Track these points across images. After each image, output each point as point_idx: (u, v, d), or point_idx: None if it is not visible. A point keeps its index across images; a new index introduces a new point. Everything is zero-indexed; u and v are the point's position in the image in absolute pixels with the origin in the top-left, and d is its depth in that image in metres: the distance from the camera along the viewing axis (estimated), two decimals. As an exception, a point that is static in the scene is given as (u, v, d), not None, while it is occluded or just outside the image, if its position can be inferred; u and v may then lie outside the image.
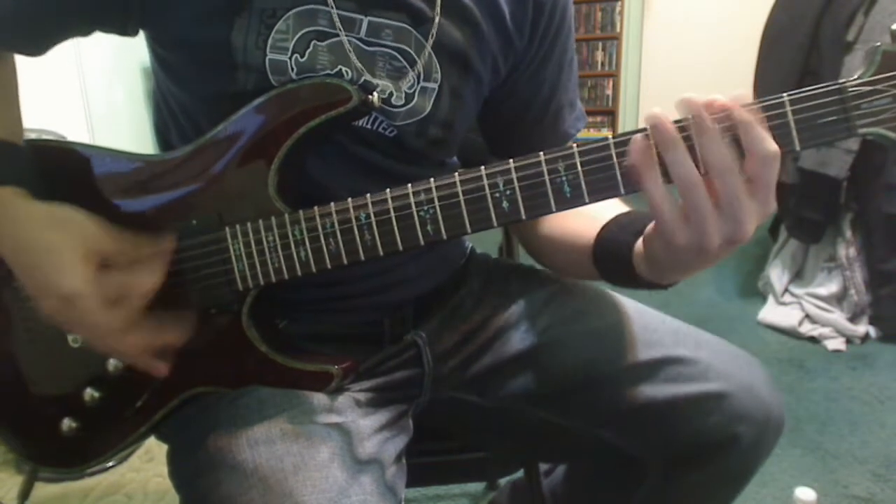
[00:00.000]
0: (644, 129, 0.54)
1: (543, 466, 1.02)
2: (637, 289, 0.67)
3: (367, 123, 0.70)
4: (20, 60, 0.73)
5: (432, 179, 0.60)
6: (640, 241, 0.63)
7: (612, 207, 0.71)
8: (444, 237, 0.60)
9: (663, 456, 0.78)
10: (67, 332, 0.69)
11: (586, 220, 0.72)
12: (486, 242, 0.91)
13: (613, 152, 0.56)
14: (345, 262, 0.63)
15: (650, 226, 0.60)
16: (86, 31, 0.70)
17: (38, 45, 0.70)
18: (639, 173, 0.54)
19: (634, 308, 0.82)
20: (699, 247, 0.54)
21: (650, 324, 0.79)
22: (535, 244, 0.85)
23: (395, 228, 0.61)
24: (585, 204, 0.57)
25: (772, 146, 0.51)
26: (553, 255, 0.83)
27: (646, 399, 0.75)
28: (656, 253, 0.60)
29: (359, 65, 0.67)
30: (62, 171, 0.70)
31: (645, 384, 0.75)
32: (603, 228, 0.70)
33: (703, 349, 0.77)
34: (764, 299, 2.41)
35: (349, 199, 0.62)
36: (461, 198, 0.59)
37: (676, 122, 0.53)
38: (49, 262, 0.60)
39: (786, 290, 2.33)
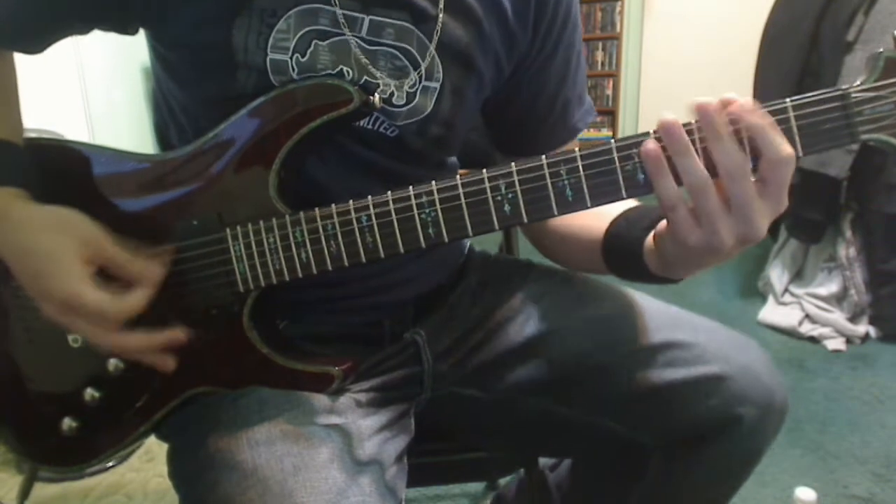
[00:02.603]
0: (646, 134, 0.54)
1: (549, 461, 1.02)
2: (648, 283, 0.67)
3: (367, 124, 0.70)
4: (20, 60, 0.73)
5: (434, 182, 0.60)
6: (650, 238, 0.63)
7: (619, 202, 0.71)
8: (446, 240, 0.60)
9: (666, 441, 0.78)
10: (70, 334, 0.69)
11: (594, 215, 0.72)
12: (486, 242, 0.90)
13: (616, 156, 0.56)
14: (346, 263, 0.63)
15: (661, 225, 0.60)
16: (85, 30, 0.70)
17: (37, 43, 0.71)
18: (651, 178, 0.54)
19: (631, 295, 0.82)
20: (711, 247, 0.54)
21: (647, 310, 0.79)
22: (542, 240, 0.85)
23: (397, 231, 0.61)
24: (588, 208, 0.57)
25: (787, 150, 0.51)
26: (561, 251, 0.83)
27: (645, 384, 0.75)
28: (668, 251, 0.60)
29: (361, 63, 0.67)
30: (62, 171, 0.70)
31: (644, 369, 0.75)
32: (612, 224, 0.70)
33: (700, 333, 0.77)
34: (764, 299, 2.41)
35: (350, 201, 0.62)
36: (462, 200, 0.59)
37: (686, 124, 0.53)
38: (47, 266, 0.61)
39: (786, 290, 2.33)
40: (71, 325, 0.64)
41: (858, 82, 0.52)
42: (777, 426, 0.78)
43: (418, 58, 0.69)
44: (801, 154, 0.53)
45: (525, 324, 0.80)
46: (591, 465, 0.95)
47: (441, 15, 0.68)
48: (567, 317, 0.80)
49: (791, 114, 0.52)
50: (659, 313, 0.80)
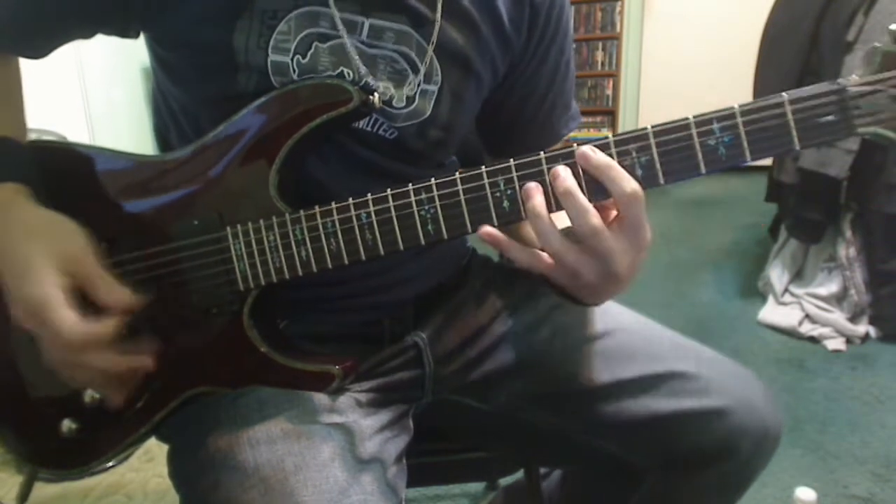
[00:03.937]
0: (644, 129, 0.54)
1: (541, 469, 1.02)
2: (574, 303, 0.69)
3: (367, 125, 0.70)
4: (20, 60, 0.73)
5: (433, 179, 0.60)
6: None
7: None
8: (445, 237, 0.60)
9: (661, 465, 0.79)
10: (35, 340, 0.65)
11: None
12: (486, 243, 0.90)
13: (613, 151, 0.56)
14: (346, 261, 0.63)
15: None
16: (87, 34, 0.70)
17: (40, 48, 0.71)
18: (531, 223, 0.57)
19: (638, 321, 0.82)
20: (575, 284, 0.58)
21: (653, 337, 0.80)
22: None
23: (396, 228, 0.61)
24: None
25: (631, 185, 0.54)
26: None
27: (646, 412, 0.75)
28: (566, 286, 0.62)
29: (360, 67, 0.67)
30: (63, 172, 0.70)
31: (646, 397, 0.76)
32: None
33: (704, 365, 0.78)
34: (764, 299, 2.40)
35: (350, 199, 0.62)
36: (462, 197, 0.59)
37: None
38: (24, 269, 0.60)
39: (786, 290, 2.33)
40: (34, 332, 0.61)
41: (855, 76, 0.52)
42: (770, 454, 0.79)
43: (417, 61, 0.69)
44: (798, 148, 0.53)
45: (529, 341, 0.81)
46: (584, 478, 0.96)
47: (440, 19, 0.69)
48: (571, 338, 0.80)
49: (788, 108, 0.52)
50: (664, 341, 0.80)
